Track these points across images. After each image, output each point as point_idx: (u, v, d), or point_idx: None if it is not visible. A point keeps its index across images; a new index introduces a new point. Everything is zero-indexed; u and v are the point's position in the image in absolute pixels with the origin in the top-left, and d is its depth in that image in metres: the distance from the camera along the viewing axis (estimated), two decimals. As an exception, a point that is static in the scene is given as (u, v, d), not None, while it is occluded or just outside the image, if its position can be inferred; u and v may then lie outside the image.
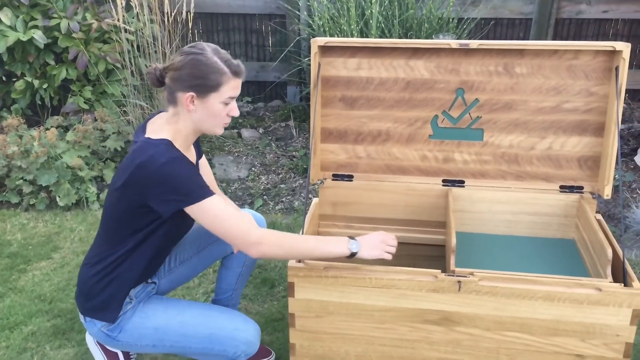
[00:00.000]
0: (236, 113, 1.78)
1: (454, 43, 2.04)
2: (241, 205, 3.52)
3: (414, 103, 2.20)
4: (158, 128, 1.77)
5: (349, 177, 2.30)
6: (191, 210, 1.69)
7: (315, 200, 2.31)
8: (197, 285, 2.67)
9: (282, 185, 3.74)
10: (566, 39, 4.80)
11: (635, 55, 4.84)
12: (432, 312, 1.80)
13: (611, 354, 1.77)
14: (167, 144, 1.71)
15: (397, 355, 1.88)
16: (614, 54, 2.01)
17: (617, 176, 3.53)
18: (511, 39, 4.86)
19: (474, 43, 2.03)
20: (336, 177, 2.31)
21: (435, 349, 1.85)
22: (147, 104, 3.94)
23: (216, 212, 1.69)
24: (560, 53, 2.06)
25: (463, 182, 2.24)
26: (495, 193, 2.23)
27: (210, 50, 1.72)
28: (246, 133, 4.61)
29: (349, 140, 2.28)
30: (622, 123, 4.30)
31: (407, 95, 2.19)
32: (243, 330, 1.85)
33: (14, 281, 2.68)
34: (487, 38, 4.79)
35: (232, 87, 1.74)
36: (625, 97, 4.80)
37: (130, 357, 2.07)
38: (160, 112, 1.87)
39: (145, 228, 1.77)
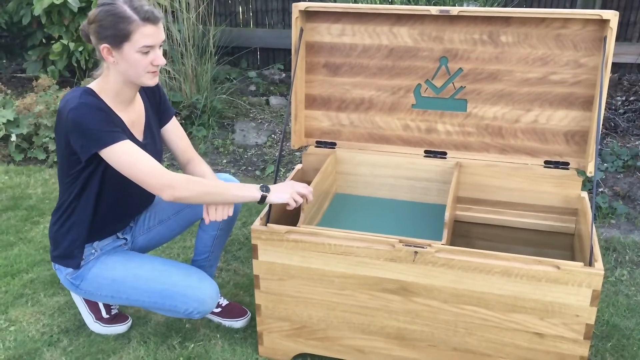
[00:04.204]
0: (161, 62, 1.75)
1: (435, 9, 1.98)
2: (252, 171, 3.57)
3: (397, 71, 2.16)
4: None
5: (332, 145, 2.30)
6: (105, 155, 1.72)
7: (299, 166, 2.32)
8: (179, 239, 2.75)
9: (297, 153, 3.76)
10: (616, 9, 4.53)
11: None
12: (390, 281, 1.80)
13: (571, 334, 1.72)
14: (85, 91, 1.75)
15: (358, 321, 1.89)
16: (603, 23, 1.90)
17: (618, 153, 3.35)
18: (557, 7, 4.64)
19: (455, 10, 1.97)
20: (319, 144, 2.31)
21: (394, 318, 1.85)
22: (171, 66, 4.03)
23: (129, 155, 1.72)
24: (548, 21, 1.97)
25: (445, 153, 2.19)
26: (378, 157, 2.27)
27: (122, 0, 1.70)
28: (274, 100, 4.64)
29: (332, 107, 2.27)
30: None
31: (390, 63, 2.15)
32: (195, 288, 1.90)
33: (26, 232, 2.85)
34: (524, 7, 4.58)
35: (145, 34, 1.70)
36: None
37: (112, 308, 2.17)
38: None
39: (81, 174, 1.81)
